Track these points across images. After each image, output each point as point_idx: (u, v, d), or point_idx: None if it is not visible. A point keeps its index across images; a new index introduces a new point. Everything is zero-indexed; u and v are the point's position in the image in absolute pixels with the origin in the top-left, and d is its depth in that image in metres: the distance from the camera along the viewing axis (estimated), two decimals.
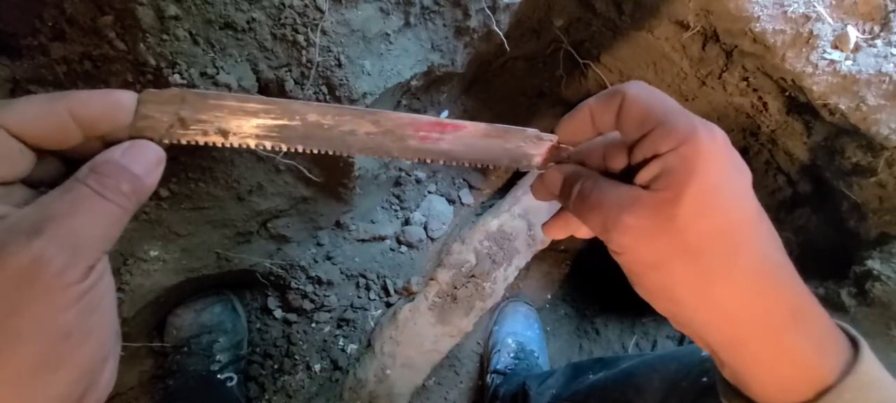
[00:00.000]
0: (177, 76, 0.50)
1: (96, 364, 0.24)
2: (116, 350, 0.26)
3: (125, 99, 0.27)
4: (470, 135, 0.33)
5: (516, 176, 1.12)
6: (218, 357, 0.85)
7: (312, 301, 0.93)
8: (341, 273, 0.95)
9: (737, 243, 0.27)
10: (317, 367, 0.93)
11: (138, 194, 0.26)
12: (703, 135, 0.27)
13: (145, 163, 0.26)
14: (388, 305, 0.97)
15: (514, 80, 1.01)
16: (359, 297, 0.97)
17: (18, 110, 0.24)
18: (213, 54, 0.52)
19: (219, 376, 0.84)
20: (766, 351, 0.28)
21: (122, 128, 0.27)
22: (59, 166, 0.27)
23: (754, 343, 0.28)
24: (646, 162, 0.29)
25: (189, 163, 0.64)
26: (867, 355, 0.28)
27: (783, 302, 0.28)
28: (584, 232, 0.36)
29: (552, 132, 0.34)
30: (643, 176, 0.29)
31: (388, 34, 0.61)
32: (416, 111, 0.85)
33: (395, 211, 1.02)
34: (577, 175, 0.33)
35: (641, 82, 0.30)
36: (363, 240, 0.98)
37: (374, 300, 0.97)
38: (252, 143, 0.30)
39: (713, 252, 0.27)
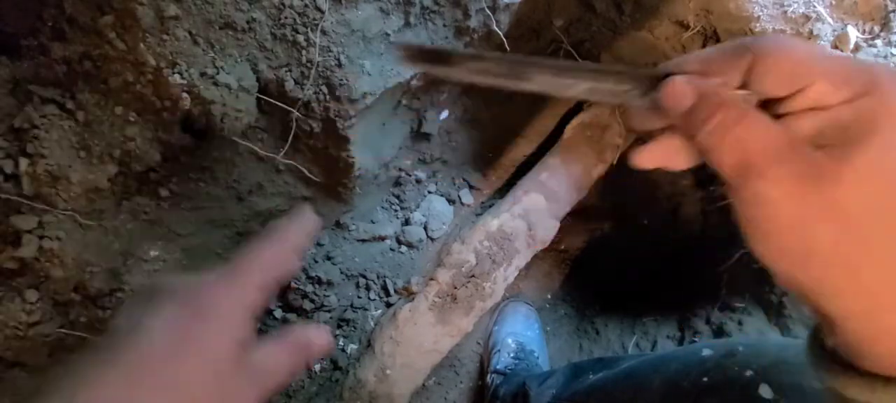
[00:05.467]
0: (177, 76, 0.50)
1: None
2: None
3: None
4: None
5: (516, 175, 1.12)
6: None
7: (312, 301, 0.93)
8: (341, 273, 0.95)
9: None
10: (317, 367, 0.93)
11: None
12: (890, 89, 0.23)
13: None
14: (388, 305, 0.97)
15: None
16: (359, 297, 0.97)
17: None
18: (213, 54, 0.52)
19: None
20: None
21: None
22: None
23: (893, 313, 0.25)
24: (792, 114, 0.26)
25: (189, 163, 0.64)
26: None
27: None
28: (680, 163, 0.30)
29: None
30: (801, 126, 0.25)
31: (388, 34, 0.61)
32: (416, 111, 0.85)
33: (395, 211, 1.02)
34: (718, 97, 0.26)
35: (779, 36, 0.26)
36: (363, 240, 0.98)
37: (374, 300, 0.97)
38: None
39: (874, 225, 0.24)
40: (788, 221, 0.25)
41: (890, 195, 0.23)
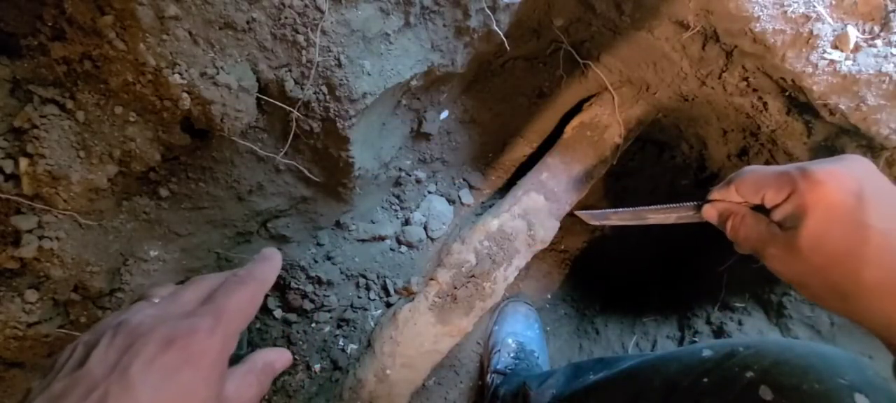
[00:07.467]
0: (177, 76, 0.50)
1: None
2: None
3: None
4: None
5: (516, 175, 1.12)
6: None
7: (312, 301, 0.93)
8: (341, 273, 0.95)
9: (857, 262, 0.35)
10: (317, 367, 0.93)
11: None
12: (804, 186, 0.37)
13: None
14: (388, 305, 0.97)
15: (514, 80, 1.01)
16: (359, 297, 0.97)
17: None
18: (213, 54, 0.52)
19: None
20: None
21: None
22: None
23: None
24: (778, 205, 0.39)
25: (189, 163, 0.64)
26: None
27: None
28: None
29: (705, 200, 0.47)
30: (776, 215, 0.39)
31: (388, 34, 0.61)
32: (416, 111, 0.85)
33: (395, 211, 1.02)
34: (728, 212, 0.44)
35: (750, 167, 0.41)
36: (363, 240, 0.98)
37: (374, 300, 0.97)
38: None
39: (837, 271, 0.36)
40: (794, 280, 0.39)
41: (833, 252, 0.36)
